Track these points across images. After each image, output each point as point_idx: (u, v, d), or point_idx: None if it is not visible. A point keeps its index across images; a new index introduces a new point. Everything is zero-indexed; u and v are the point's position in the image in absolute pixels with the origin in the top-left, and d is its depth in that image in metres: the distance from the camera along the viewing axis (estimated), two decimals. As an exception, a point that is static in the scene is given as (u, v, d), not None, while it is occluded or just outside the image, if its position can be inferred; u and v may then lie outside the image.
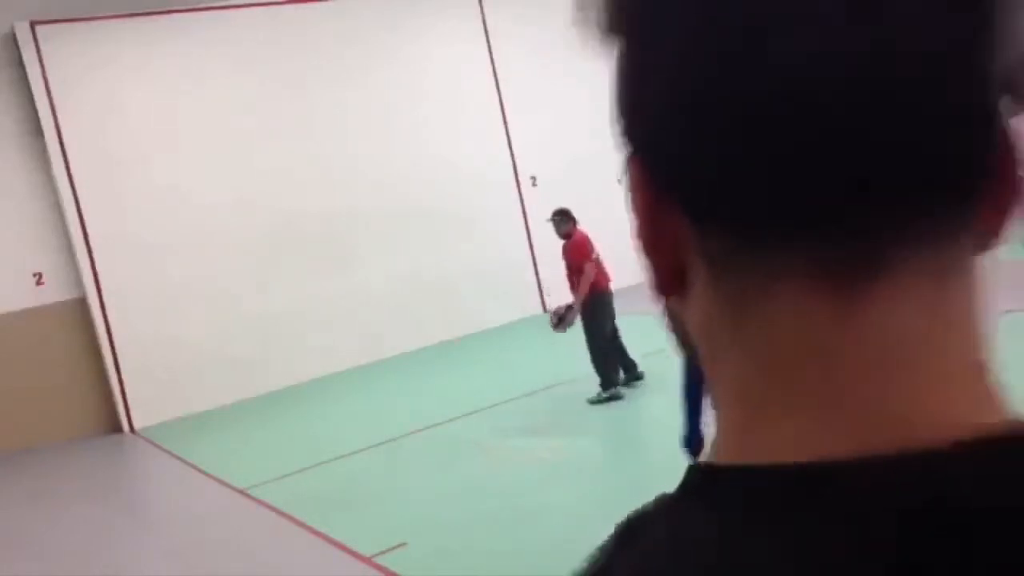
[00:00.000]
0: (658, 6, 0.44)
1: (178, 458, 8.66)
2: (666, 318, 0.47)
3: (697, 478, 0.44)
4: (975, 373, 0.42)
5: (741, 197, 0.41)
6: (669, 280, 0.46)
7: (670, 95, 0.43)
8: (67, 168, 10.39)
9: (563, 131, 13.27)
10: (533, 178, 13.09)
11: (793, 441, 0.41)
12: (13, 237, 10.33)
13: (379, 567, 4.99)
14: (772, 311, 0.42)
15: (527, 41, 13.08)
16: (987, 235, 0.43)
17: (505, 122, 12.96)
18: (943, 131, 0.39)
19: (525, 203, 13.03)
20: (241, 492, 6.98)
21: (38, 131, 10.38)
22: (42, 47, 10.30)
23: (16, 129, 10.40)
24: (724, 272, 0.43)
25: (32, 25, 10.26)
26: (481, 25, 12.83)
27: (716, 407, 0.46)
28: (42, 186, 10.51)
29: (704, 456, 0.45)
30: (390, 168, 12.05)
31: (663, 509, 0.45)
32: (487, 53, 12.85)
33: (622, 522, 0.47)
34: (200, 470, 7.94)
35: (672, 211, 0.44)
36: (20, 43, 10.25)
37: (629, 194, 0.47)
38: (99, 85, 10.57)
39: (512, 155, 12.99)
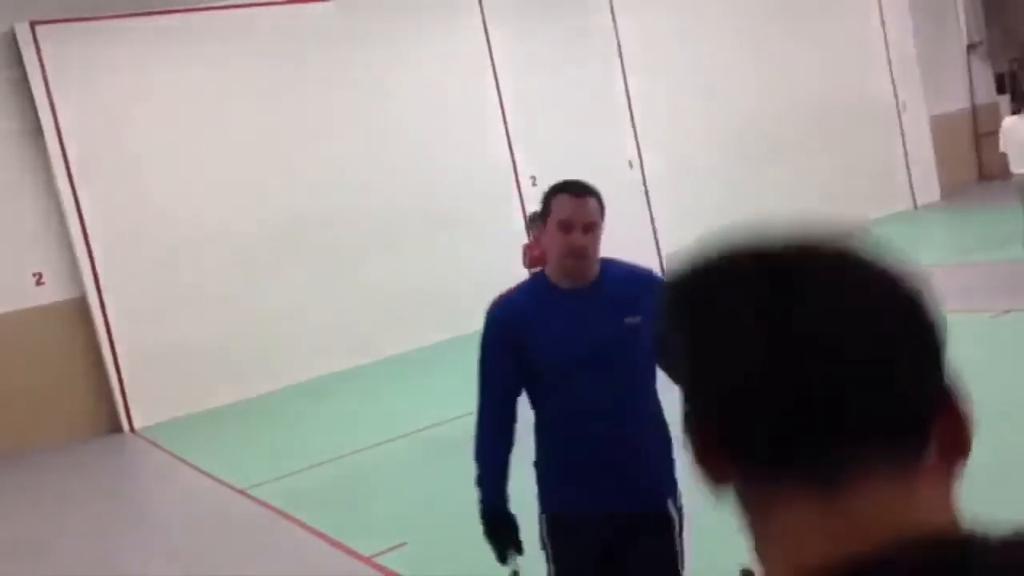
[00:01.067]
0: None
1: (178, 458, 8.66)
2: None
3: None
4: (938, 517, 0.65)
5: (768, 449, 0.67)
6: (716, 485, 0.72)
7: (729, 387, 0.68)
8: (67, 168, 10.39)
9: (563, 131, 13.26)
10: (533, 178, 13.09)
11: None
12: (13, 237, 10.32)
13: (379, 567, 4.99)
14: (784, 505, 0.66)
15: (527, 41, 13.07)
16: (950, 453, 0.67)
17: (505, 122, 12.96)
18: (896, 399, 0.65)
19: (525, 203, 13.02)
20: (241, 492, 6.98)
21: (38, 131, 10.37)
22: (42, 47, 10.30)
23: (16, 129, 10.39)
24: (753, 480, 0.68)
25: (32, 25, 10.26)
26: (481, 25, 12.82)
27: (760, 553, 0.70)
28: (42, 186, 10.50)
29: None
30: (390, 168, 12.04)
31: None
32: (487, 53, 12.85)
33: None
34: (200, 470, 7.94)
35: (721, 453, 0.70)
36: (20, 43, 10.25)
37: (690, 442, 0.72)
38: (99, 85, 10.57)
39: (512, 155, 12.99)
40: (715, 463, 0.70)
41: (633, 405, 2.75)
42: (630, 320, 2.65)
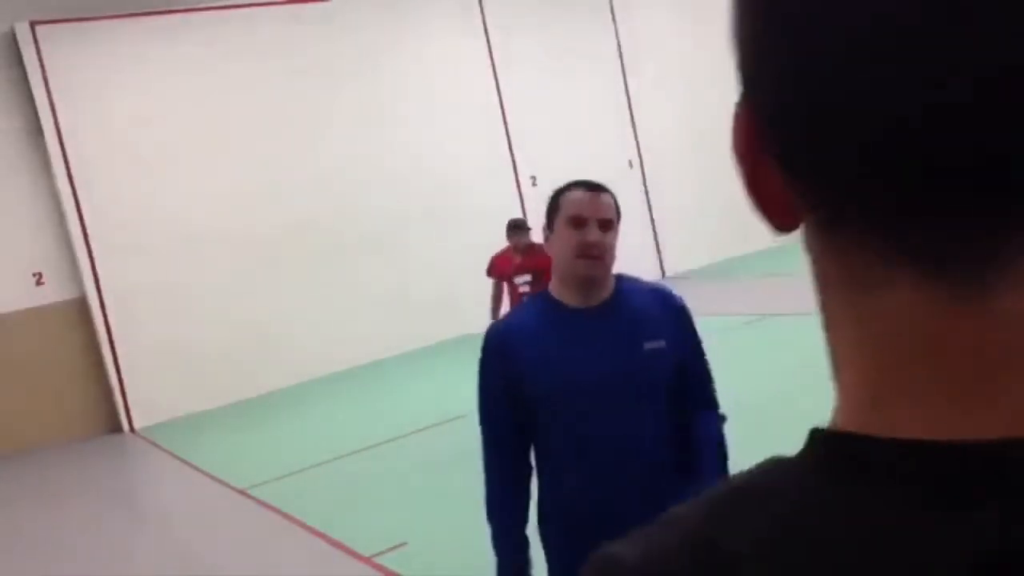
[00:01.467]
0: None
1: (178, 458, 8.66)
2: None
3: (828, 449, 0.42)
4: None
5: (852, 164, 0.38)
6: (776, 220, 0.45)
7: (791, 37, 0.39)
8: (67, 168, 10.39)
9: (563, 131, 13.27)
10: (533, 178, 13.09)
11: (931, 421, 0.39)
12: (13, 237, 10.32)
13: (379, 567, 4.99)
14: (889, 294, 0.40)
15: (527, 41, 13.08)
16: None
17: (505, 122, 12.96)
18: None
19: (525, 203, 13.02)
20: (241, 492, 6.98)
21: (38, 131, 10.38)
22: (42, 47, 10.30)
23: (16, 129, 10.39)
24: (833, 236, 0.42)
25: (32, 25, 10.26)
26: (481, 25, 12.82)
27: (835, 373, 0.44)
28: (42, 186, 10.50)
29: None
30: (390, 168, 12.04)
31: (782, 478, 0.43)
32: (487, 53, 12.85)
33: (724, 487, 0.46)
34: (200, 470, 7.94)
35: (788, 187, 0.42)
36: (20, 43, 10.25)
37: (733, 132, 0.45)
38: (99, 85, 10.57)
39: (512, 155, 12.99)
40: (776, 201, 0.44)
41: (653, 444, 2.31)
42: (651, 345, 2.28)
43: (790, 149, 0.41)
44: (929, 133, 0.36)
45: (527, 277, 7.04)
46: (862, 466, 0.40)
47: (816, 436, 0.43)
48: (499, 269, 7.27)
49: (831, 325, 0.44)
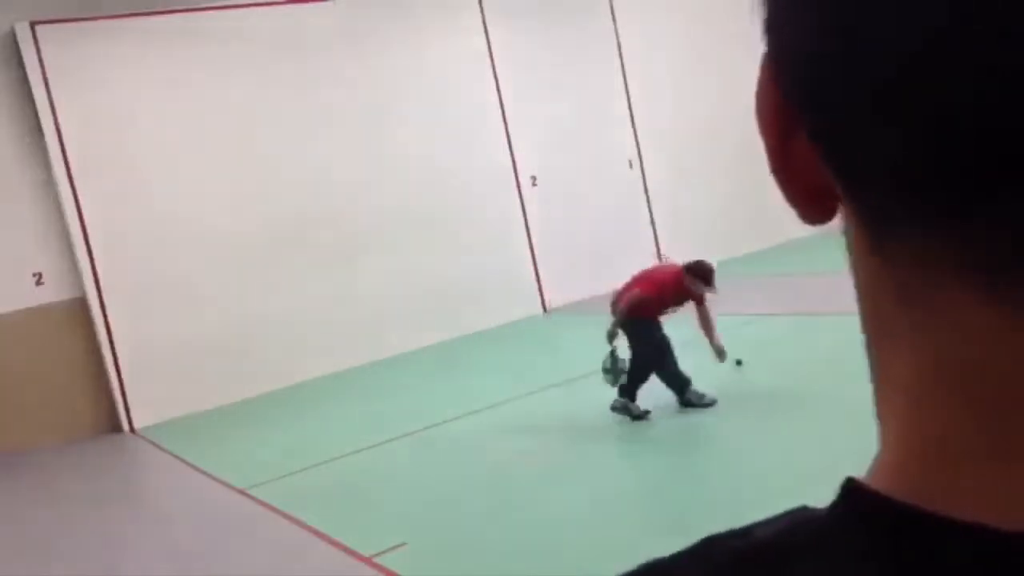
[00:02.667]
0: None
1: (178, 458, 8.66)
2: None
3: (870, 515, 0.34)
4: None
5: (902, 149, 0.30)
6: (807, 205, 0.37)
7: None
8: (67, 168, 10.39)
9: (563, 131, 13.27)
10: (533, 178, 13.09)
11: (1002, 502, 0.31)
12: (13, 237, 10.32)
13: (379, 567, 4.99)
14: (952, 316, 0.32)
15: (527, 41, 13.08)
16: None
17: (505, 122, 12.96)
18: None
19: (525, 203, 13.03)
20: (241, 492, 6.98)
21: (38, 131, 10.38)
22: (42, 47, 10.30)
23: (16, 129, 10.39)
24: (880, 239, 0.34)
25: (32, 25, 10.26)
26: (481, 25, 12.82)
27: (879, 408, 0.36)
28: (42, 186, 10.50)
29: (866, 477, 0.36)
30: (389, 168, 12.05)
31: (813, 545, 0.36)
32: (487, 53, 12.85)
33: (739, 545, 0.39)
34: (200, 470, 7.94)
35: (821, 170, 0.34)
36: (20, 43, 10.25)
37: (757, 97, 0.38)
38: (99, 85, 10.57)
39: (512, 155, 12.99)
40: (809, 187, 0.36)
41: None
42: None
43: (825, 126, 0.33)
44: (1001, 113, 0.28)
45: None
46: (920, 555, 0.31)
47: (856, 498, 0.35)
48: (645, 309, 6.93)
49: (877, 347, 0.36)
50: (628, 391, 7.00)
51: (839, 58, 0.31)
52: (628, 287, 7.03)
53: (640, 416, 6.99)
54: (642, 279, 7.06)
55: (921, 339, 0.33)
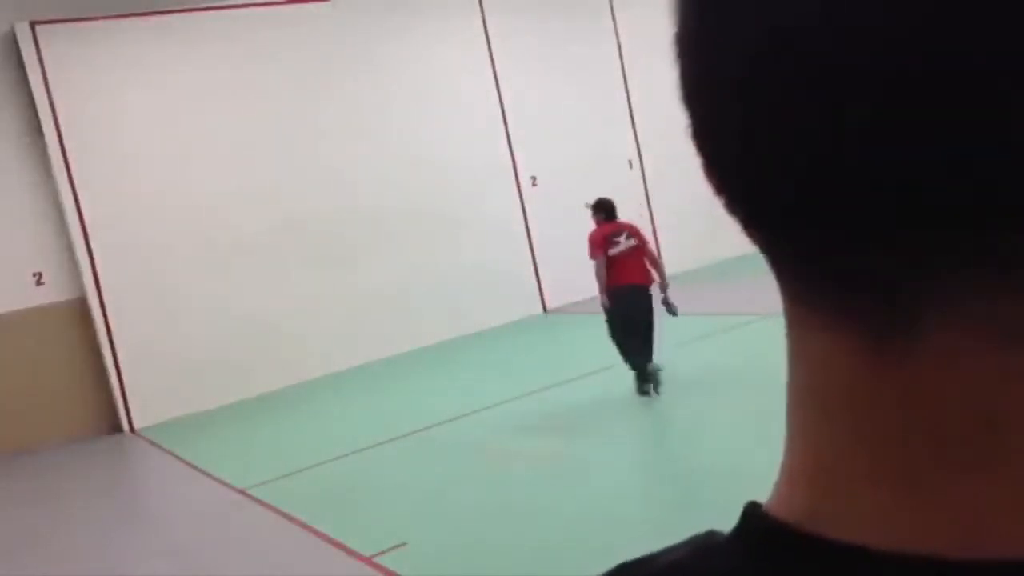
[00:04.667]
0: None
1: (178, 458, 8.66)
2: None
3: (766, 540, 0.36)
4: None
5: (753, 197, 0.33)
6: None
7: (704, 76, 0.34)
8: (67, 168, 10.39)
9: (563, 131, 13.27)
10: (533, 178, 13.10)
11: (882, 524, 0.32)
12: (13, 237, 10.32)
13: (379, 567, 4.99)
14: (813, 346, 0.34)
15: (527, 41, 13.08)
16: None
17: (505, 122, 12.96)
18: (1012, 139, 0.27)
19: (525, 203, 13.03)
20: (241, 492, 6.98)
21: (38, 131, 10.38)
22: (42, 47, 10.30)
23: (16, 129, 10.40)
24: (777, 269, 0.35)
25: (32, 25, 10.26)
26: (481, 25, 12.82)
27: (788, 433, 0.38)
28: (42, 186, 10.51)
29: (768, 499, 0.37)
30: (390, 168, 12.04)
31: (712, 564, 0.38)
32: (487, 53, 12.85)
33: (642, 572, 0.40)
34: (200, 470, 7.94)
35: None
36: (20, 43, 10.25)
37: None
38: (99, 85, 10.57)
39: (512, 155, 12.99)
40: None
41: None
42: None
43: (713, 174, 0.36)
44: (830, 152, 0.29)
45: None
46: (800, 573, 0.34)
47: (752, 521, 0.37)
48: None
49: (789, 371, 0.37)
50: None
51: (705, 111, 0.34)
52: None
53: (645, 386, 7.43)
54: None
55: (799, 368, 0.35)
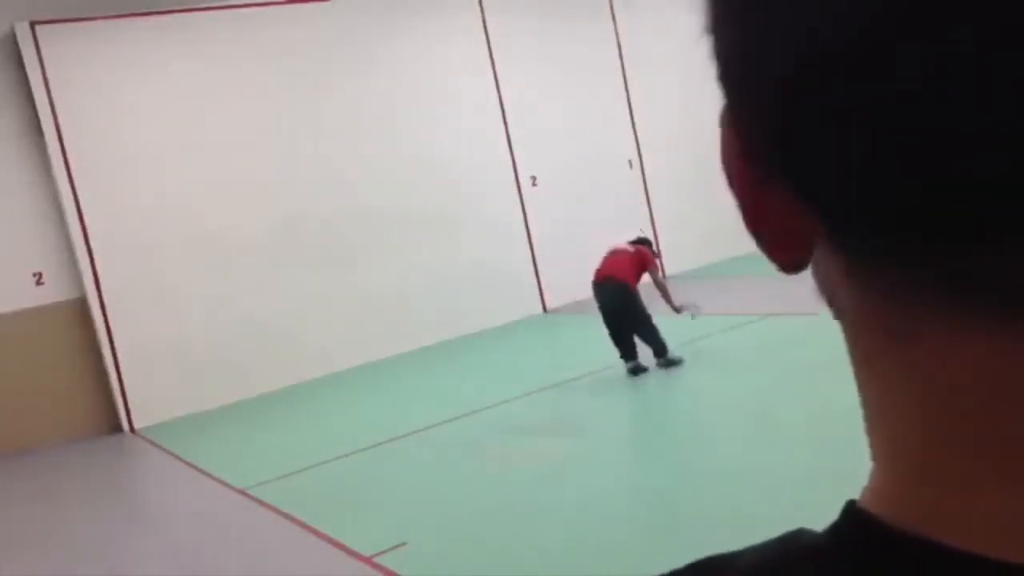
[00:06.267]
0: None
1: (178, 458, 8.66)
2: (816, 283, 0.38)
3: (876, 546, 0.34)
4: None
5: (884, 185, 0.30)
6: (788, 255, 0.36)
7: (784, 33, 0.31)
8: (67, 168, 10.39)
9: (563, 131, 13.27)
10: (533, 178, 13.09)
11: (1005, 527, 0.31)
12: (13, 237, 10.32)
13: (379, 567, 4.99)
14: (930, 345, 0.32)
15: (527, 41, 13.08)
16: None
17: (505, 122, 12.96)
18: None
19: (525, 203, 13.02)
20: (241, 492, 6.98)
21: (38, 131, 10.38)
22: (42, 47, 10.30)
23: (16, 129, 10.39)
24: (865, 272, 0.33)
25: (32, 25, 10.26)
26: (481, 25, 12.82)
27: (872, 435, 0.37)
28: (42, 186, 10.51)
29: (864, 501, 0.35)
30: (390, 168, 12.04)
31: (811, 563, 0.36)
32: (487, 53, 12.85)
33: (730, 570, 0.38)
34: (200, 470, 7.94)
35: (776, 182, 0.34)
36: (20, 43, 10.25)
37: (722, 151, 0.37)
38: (99, 85, 10.57)
39: (512, 155, 12.99)
40: (784, 235, 0.36)
41: None
42: None
43: (796, 162, 0.32)
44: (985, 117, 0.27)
45: None
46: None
47: (857, 523, 0.35)
48: None
49: (865, 376, 0.36)
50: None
51: (810, 94, 0.31)
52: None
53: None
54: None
55: (908, 369, 0.33)
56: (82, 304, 10.56)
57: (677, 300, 8.25)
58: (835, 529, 0.36)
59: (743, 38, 0.34)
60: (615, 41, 13.84)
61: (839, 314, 0.37)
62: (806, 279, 0.39)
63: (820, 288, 0.38)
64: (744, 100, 0.35)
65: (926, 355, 0.32)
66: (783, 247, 0.36)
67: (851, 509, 0.35)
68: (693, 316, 8.30)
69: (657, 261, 8.43)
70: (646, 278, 8.13)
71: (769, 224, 0.36)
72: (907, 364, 0.33)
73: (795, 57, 0.31)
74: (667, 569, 0.41)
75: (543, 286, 12.98)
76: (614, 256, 8.26)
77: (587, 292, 8.64)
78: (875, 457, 0.36)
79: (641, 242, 8.57)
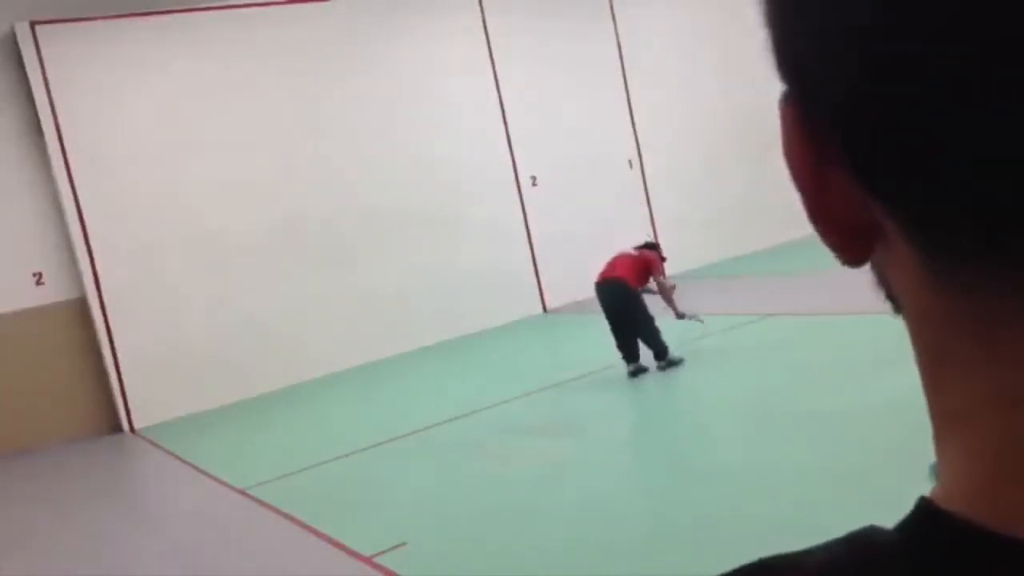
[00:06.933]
0: None
1: (178, 458, 8.66)
2: (874, 277, 0.37)
3: (950, 540, 0.33)
4: None
5: (968, 176, 0.29)
6: (848, 246, 0.35)
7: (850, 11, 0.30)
8: (67, 168, 10.39)
9: (563, 131, 13.27)
10: (533, 178, 13.09)
11: None
12: (13, 237, 10.33)
13: (379, 567, 4.99)
14: (1010, 346, 0.31)
15: (527, 41, 13.08)
16: None
17: (505, 122, 12.96)
18: None
19: (525, 203, 13.03)
20: (241, 492, 6.98)
21: (38, 131, 10.38)
22: (42, 47, 10.30)
23: (16, 129, 10.40)
24: (942, 267, 0.32)
25: (32, 25, 10.26)
26: (481, 25, 12.82)
27: (940, 433, 0.36)
28: (42, 186, 10.51)
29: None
30: (390, 168, 12.05)
31: (886, 561, 0.35)
32: (487, 53, 12.85)
33: (799, 569, 0.37)
34: (200, 470, 7.94)
35: (844, 175, 0.32)
36: (20, 43, 10.25)
37: (784, 142, 0.35)
38: (99, 85, 10.57)
39: (512, 155, 12.99)
40: (850, 225, 0.34)
41: None
42: None
43: (869, 150, 0.31)
44: None
45: None
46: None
47: (934, 521, 0.34)
48: None
49: (934, 374, 0.35)
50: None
51: (891, 83, 0.29)
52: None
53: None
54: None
55: (988, 367, 0.32)
56: (82, 304, 10.56)
57: (681, 307, 8.27)
58: (910, 527, 0.35)
59: (818, 25, 0.32)
60: (615, 41, 13.84)
61: (902, 309, 0.35)
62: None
63: (879, 281, 0.37)
64: (816, 92, 0.33)
65: (1007, 352, 0.31)
66: (843, 237, 0.35)
67: (927, 507, 0.34)
68: (701, 321, 8.37)
69: (663, 266, 8.40)
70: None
71: (831, 213, 0.35)
72: (986, 362, 0.32)
73: (883, 42, 0.29)
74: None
75: (543, 286, 12.98)
76: (617, 259, 8.33)
77: (587, 292, 8.67)
78: (946, 456, 0.35)
79: (648, 247, 8.59)
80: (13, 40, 10.31)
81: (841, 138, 0.32)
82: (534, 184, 13.07)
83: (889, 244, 0.34)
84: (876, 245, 0.35)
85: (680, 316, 8.26)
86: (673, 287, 8.27)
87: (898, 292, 0.35)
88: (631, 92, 13.92)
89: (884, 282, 0.36)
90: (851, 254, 0.35)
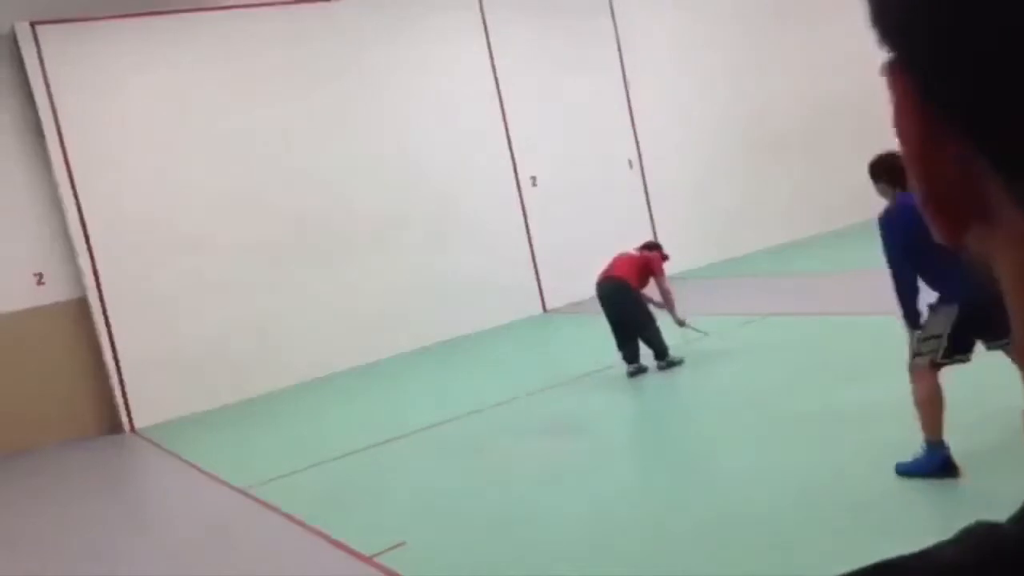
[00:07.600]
0: None
1: (178, 458, 8.66)
2: (972, 260, 0.34)
3: None
4: None
5: None
6: (955, 222, 0.34)
7: None
8: (67, 168, 10.39)
9: (563, 131, 13.27)
10: (533, 178, 13.09)
11: None
12: (13, 237, 10.32)
13: (379, 567, 4.99)
14: None
15: (527, 40, 13.08)
16: None
17: (505, 122, 12.96)
18: None
19: (525, 203, 13.02)
20: (241, 492, 6.98)
21: (38, 131, 10.37)
22: (42, 47, 10.30)
23: (16, 129, 10.39)
24: None
25: (32, 25, 10.26)
26: (481, 24, 12.82)
27: None
28: (42, 186, 10.50)
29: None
30: (389, 168, 12.04)
31: (998, 566, 0.33)
32: (487, 53, 12.85)
33: (920, 569, 0.36)
34: (200, 470, 7.94)
35: (959, 145, 0.31)
36: (20, 43, 10.25)
37: (895, 112, 0.34)
38: (99, 85, 10.57)
39: (512, 155, 12.99)
40: (961, 205, 0.33)
41: None
42: None
43: (1001, 123, 0.29)
44: None
45: None
46: None
47: None
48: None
49: None
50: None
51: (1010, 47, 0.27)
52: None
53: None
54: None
55: None
56: (82, 304, 10.56)
57: (680, 312, 8.27)
58: (1019, 518, 0.33)
59: None
60: (615, 41, 13.84)
61: (1009, 293, 0.34)
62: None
63: (973, 261, 0.35)
64: (936, 64, 0.31)
65: None
66: (949, 211, 0.34)
67: None
68: (705, 334, 8.42)
69: (665, 267, 8.37)
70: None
71: (940, 185, 0.33)
72: None
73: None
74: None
75: (543, 286, 12.98)
76: (618, 259, 8.37)
77: (587, 292, 8.67)
78: None
79: (651, 247, 8.58)
80: (13, 40, 10.31)
81: (968, 111, 0.30)
82: (534, 184, 13.07)
83: (996, 220, 0.32)
84: (974, 222, 0.33)
85: (680, 323, 8.26)
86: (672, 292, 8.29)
87: (1005, 273, 0.34)
88: (631, 92, 13.92)
89: (987, 268, 0.35)
90: (955, 231, 0.34)
